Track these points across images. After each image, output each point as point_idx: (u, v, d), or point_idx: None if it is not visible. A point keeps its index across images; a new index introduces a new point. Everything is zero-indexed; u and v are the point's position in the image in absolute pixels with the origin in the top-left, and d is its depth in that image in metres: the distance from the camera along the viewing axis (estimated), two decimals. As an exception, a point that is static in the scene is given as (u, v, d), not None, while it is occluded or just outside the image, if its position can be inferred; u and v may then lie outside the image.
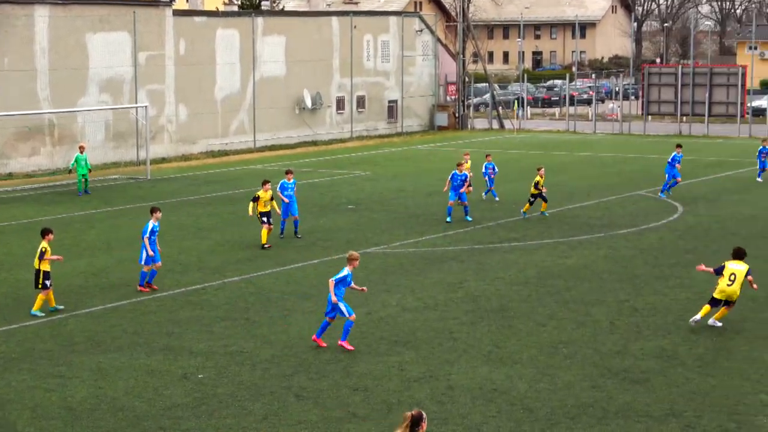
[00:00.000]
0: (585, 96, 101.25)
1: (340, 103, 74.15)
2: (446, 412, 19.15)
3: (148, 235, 28.55)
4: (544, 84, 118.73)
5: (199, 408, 19.45)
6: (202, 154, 63.91)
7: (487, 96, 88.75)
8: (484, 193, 44.24)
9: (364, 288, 24.35)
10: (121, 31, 60.17)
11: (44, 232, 26.41)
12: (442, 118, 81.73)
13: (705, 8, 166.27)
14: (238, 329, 24.74)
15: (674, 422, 18.55)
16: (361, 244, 34.91)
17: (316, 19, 73.90)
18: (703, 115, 76.79)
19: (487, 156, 44.77)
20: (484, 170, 44.40)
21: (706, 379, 20.85)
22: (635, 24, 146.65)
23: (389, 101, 78.29)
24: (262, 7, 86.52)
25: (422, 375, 21.19)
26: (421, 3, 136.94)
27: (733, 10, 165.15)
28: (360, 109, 75.79)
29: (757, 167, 50.19)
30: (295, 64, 70.09)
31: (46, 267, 25.85)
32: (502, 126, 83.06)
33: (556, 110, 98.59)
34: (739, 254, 24.82)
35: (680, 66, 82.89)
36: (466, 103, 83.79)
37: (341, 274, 23.11)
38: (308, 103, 70.45)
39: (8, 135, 55.23)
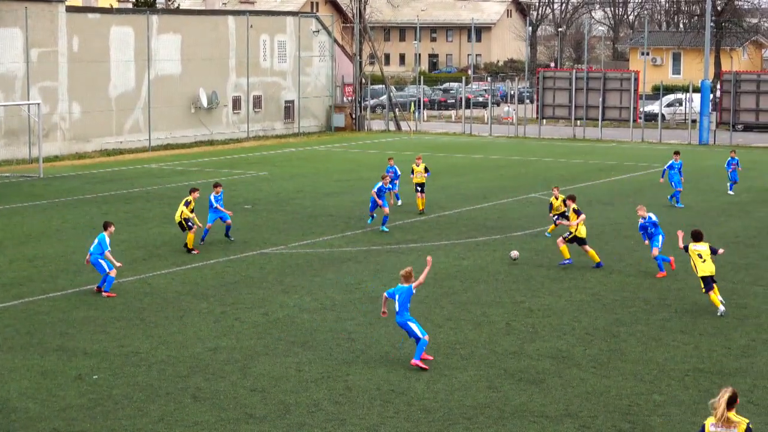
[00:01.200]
0: (481, 99, 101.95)
1: (236, 103, 73.77)
2: (344, 413, 19.14)
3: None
4: (441, 86, 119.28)
5: (94, 409, 19.20)
6: (97, 153, 63.14)
7: (384, 98, 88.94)
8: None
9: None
10: (12, 26, 59.21)
11: None
12: (339, 119, 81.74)
13: (598, 14, 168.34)
14: (134, 330, 24.48)
15: (570, 422, 18.75)
16: (258, 244, 34.77)
17: (212, 18, 73.45)
18: (597, 119, 77.78)
19: (389, 159, 44.72)
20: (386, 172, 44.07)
21: (600, 380, 21.10)
22: (530, 28, 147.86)
23: (286, 101, 78.09)
24: (157, 5, 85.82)
25: (320, 376, 21.15)
26: (317, 4, 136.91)
27: (625, 16, 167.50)
28: (257, 109, 75.47)
29: (728, 178, 48.19)
30: (191, 62, 69.60)
31: None
32: (398, 128, 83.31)
33: (453, 113, 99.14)
34: (697, 236, 26.53)
35: (574, 70, 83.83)
36: (362, 104, 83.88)
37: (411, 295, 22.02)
38: (204, 102, 70.00)
39: None
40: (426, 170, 42.34)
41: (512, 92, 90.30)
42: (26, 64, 59.80)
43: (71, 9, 64.19)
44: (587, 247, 31.68)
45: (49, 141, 60.00)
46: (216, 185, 34.88)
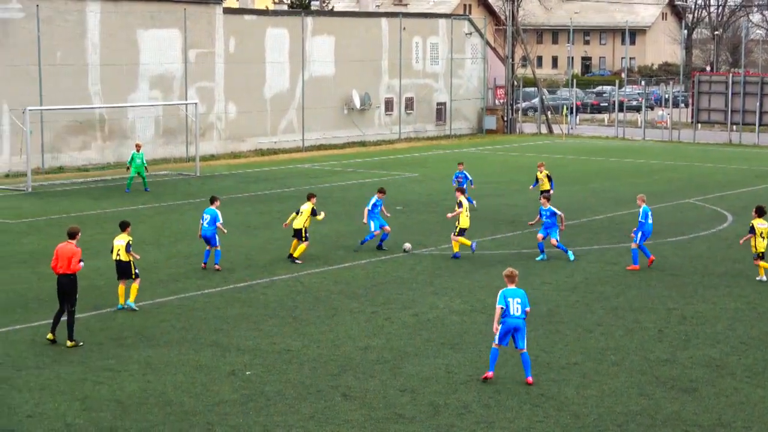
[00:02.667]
0: (634, 102, 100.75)
1: (388, 105, 74.21)
2: (493, 416, 19.12)
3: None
4: (593, 90, 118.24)
5: (246, 405, 19.52)
6: (251, 152, 64.15)
7: (536, 100, 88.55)
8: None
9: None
10: (171, 28, 60.50)
11: (123, 225, 26.45)
12: (490, 122, 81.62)
13: (756, 17, 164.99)
14: (286, 327, 24.81)
15: (723, 432, 18.46)
16: (410, 244, 34.88)
17: (366, 20, 73.98)
18: (754, 125, 76.24)
19: (459, 164, 44.15)
20: (454, 179, 43.56)
21: (755, 390, 20.70)
22: (685, 31, 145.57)
23: (438, 103, 78.26)
24: (312, 7, 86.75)
25: (470, 378, 21.16)
26: (470, 6, 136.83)
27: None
28: (408, 111, 75.80)
29: None
30: (344, 64, 70.23)
31: (130, 258, 26.04)
32: (550, 131, 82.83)
33: (605, 116, 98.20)
34: (761, 211, 29.92)
35: (731, 74, 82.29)
36: (514, 107, 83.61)
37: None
38: (357, 103, 70.56)
39: (60, 128, 55.66)
40: (549, 179, 41.79)
41: (666, 96, 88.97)
42: (184, 65, 61.04)
43: (228, 11, 65.34)
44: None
45: (205, 140, 61.16)
46: (380, 191, 34.64)
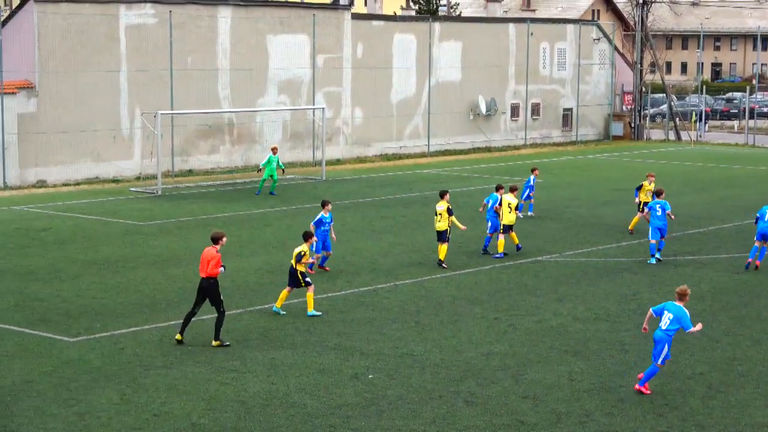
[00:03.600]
0: (765, 109, 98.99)
1: (514, 110, 73.97)
2: (616, 424, 19.01)
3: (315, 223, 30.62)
4: (723, 96, 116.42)
5: (368, 408, 19.67)
6: (377, 157, 64.47)
7: (664, 107, 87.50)
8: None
9: None
10: (300, 33, 61.10)
11: (306, 235, 26.85)
12: (617, 128, 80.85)
13: None
14: (409, 332, 24.93)
15: None
16: (533, 251, 34.80)
17: (493, 26, 73.85)
18: None
19: (533, 170, 43.62)
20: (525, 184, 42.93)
21: None
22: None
23: (564, 109, 77.79)
24: (440, 13, 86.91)
25: (593, 386, 21.06)
26: (599, 11, 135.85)
27: None
28: (534, 117, 75.49)
29: None
30: (471, 69, 70.20)
31: (302, 268, 26.28)
32: (678, 137, 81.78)
33: (735, 123, 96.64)
34: None
35: None
36: (642, 113, 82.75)
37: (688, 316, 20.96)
38: (483, 109, 70.48)
39: (189, 132, 56.58)
40: (656, 195, 38.96)
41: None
42: (312, 70, 61.61)
43: (357, 16, 65.76)
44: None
45: (331, 145, 61.63)
46: (325, 204, 31.87)
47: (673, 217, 34.47)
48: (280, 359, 22.60)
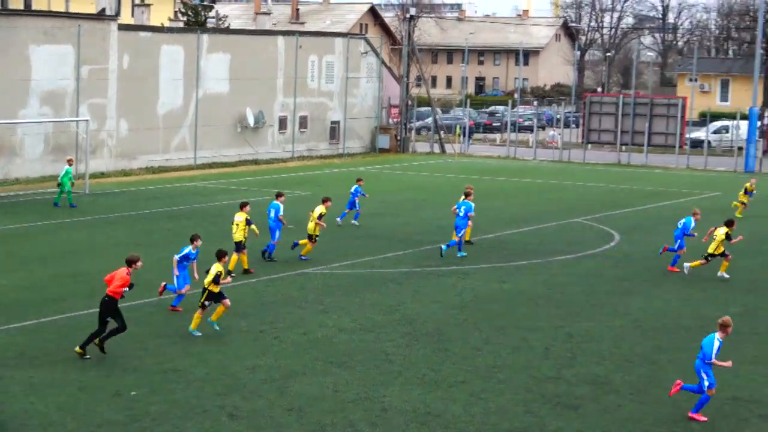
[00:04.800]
0: (527, 123, 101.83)
1: (282, 123, 74.06)
2: (379, 434, 19.17)
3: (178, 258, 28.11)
4: (486, 110, 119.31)
5: (130, 426, 19.32)
6: (142, 170, 63.55)
7: (430, 120, 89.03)
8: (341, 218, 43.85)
9: None
10: (65, 43, 59.77)
11: (219, 254, 26.10)
12: (384, 141, 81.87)
13: (647, 39, 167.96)
14: (173, 347, 24.61)
15: (605, 449, 18.69)
16: (299, 264, 34.86)
17: (262, 38, 73.84)
18: (643, 145, 77.50)
19: (358, 180, 44.84)
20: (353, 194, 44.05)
21: (638, 406, 21.02)
22: (578, 53, 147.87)
23: (332, 122, 78.32)
24: (208, 25, 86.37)
25: (357, 396, 21.19)
26: (367, 25, 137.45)
27: (674, 42, 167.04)
28: (302, 129, 75.74)
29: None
30: (239, 82, 69.97)
31: (216, 289, 25.71)
32: (443, 150, 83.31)
33: (498, 136, 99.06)
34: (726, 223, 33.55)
35: (621, 96, 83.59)
36: (408, 126, 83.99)
37: (713, 346, 20.44)
38: (250, 121, 70.33)
39: (-54, 145, 54.68)
40: (465, 195, 40.72)
41: (558, 116, 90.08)
42: (76, 81, 60.33)
43: (123, 27, 64.73)
44: None
45: (96, 157, 60.43)
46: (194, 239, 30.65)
47: (469, 222, 36.77)
48: (39, 378, 21.98)
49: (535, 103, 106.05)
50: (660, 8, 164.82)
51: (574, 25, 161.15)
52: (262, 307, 28.98)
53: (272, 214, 35.04)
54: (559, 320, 28.03)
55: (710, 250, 33.48)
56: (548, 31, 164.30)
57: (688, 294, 31.60)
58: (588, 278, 33.67)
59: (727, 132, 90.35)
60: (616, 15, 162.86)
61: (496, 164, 74.75)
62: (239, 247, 32.97)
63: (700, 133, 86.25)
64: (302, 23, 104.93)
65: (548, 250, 38.47)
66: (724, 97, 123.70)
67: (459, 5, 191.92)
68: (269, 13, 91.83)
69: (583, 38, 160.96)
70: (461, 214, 36.52)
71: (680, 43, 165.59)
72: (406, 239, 39.91)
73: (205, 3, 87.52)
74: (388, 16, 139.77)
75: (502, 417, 20.23)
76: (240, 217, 32.93)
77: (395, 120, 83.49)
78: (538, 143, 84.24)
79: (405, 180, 62.61)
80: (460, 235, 36.68)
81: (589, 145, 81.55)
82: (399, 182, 61.22)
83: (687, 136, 78.67)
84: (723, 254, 33.54)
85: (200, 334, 25.66)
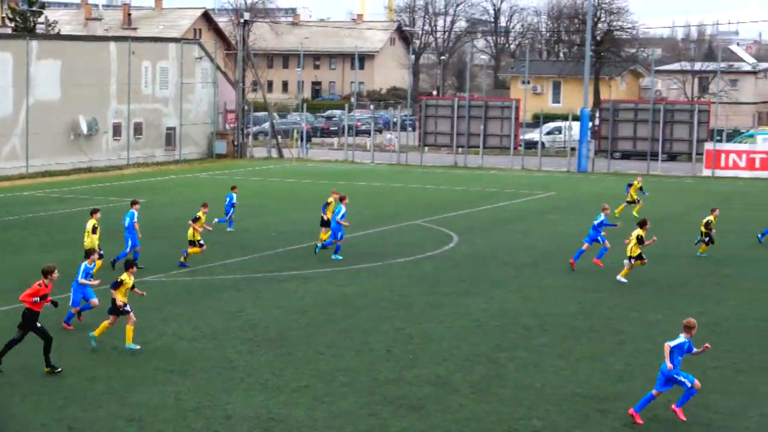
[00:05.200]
0: (364, 127, 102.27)
1: (116, 130, 72.95)
2: (223, 441, 18.99)
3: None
4: (323, 114, 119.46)
5: (-35, 442, 18.79)
6: (-28, 180, 61.98)
7: (267, 125, 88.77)
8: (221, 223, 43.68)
9: None
10: None
11: (127, 264, 25.73)
12: (221, 146, 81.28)
13: (480, 42, 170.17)
14: (9, 359, 23.95)
15: (449, 448, 18.81)
16: (138, 272, 34.28)
17: (94, 44, 72.67)
18: (478, 147, 78.50)
19: (233, 188, 44.68)
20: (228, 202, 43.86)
21: (480, 405, 21.22)
22: (413, 56, 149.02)
23: (167, 128, 77.43)
24: (37, 30, 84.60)
25: (199, 404, 20.95)
26: (201, 30, 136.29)
27: (507, 45, 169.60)
28: (137, 136, 74.72)
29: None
30: (71, 88, 68.68)
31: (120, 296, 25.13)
32: (281, 155, 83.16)
33: (335, 140, 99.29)
34: (639, 223, 33.86)
35: (456, 99, 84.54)
36: (245, 131, 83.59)
37: (677, 341, 20.31)
38: (84, 128, 69.10)
39: None
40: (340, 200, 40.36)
41: (395, 120, 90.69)
42: None
43: (-53, 33, 63.09)
44: None
45: None
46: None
47: (346, 224, 37.36)
48: None
49: (372, 107, 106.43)
50: (492, 12, 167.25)
51: (408, 29, 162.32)
52: (101, 317, 28.39)
53: (127, 222, 34.98)
54: (400, 322, 28.15)
55: (629, 253, 33.73)
56: (383, 35, 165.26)
57: (528, 293, 32.06)
58: (428, 280, 33.91)
59: (560, 133, 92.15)
60: (449, 19, 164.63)
61: (335, 168, 74.88)
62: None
63: (533, 135, 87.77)
64: (135, 29, 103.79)
65: (388, 253, 38.65)
66: (556, 99, 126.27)
67: (294, 10, 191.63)
68: (100, 19, 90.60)
69: (418, 42, 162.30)
70: (338, 217, 37.19)
71: (512, 46, 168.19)
72: (246, 245, 39.68)
73: (34, 9, 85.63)
74: (222, 21, 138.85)
75: (346, 420, 20.22)
76: (89, 224, 32.98)
77: (232, 125, 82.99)
78: (375, 147, 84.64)
79: (242, 186, 62.15)
80: (337, 238, 37.22)
81: (426, 148, 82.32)
82: (242, 187, 60.70)
83: (521, 137, 79.99)
84: (639, 257, 33.84)
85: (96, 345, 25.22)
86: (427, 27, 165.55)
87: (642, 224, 33.81)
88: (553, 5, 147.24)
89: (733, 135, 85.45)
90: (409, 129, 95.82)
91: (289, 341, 25.99)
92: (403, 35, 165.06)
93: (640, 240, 33.42)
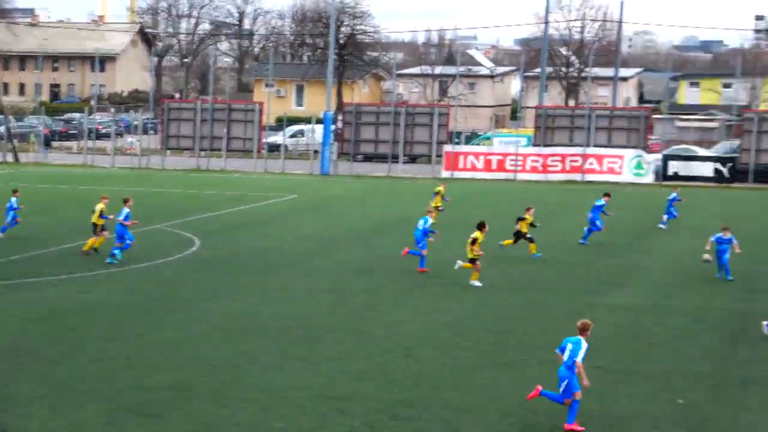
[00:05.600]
0: (105, 130, 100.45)
1: None
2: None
3: None
4: (62, 117, 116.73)
5: None
6: None
7: (2, 128, 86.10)
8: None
9: None
10: None
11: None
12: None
13: (224, 45, 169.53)
14: None
15: (189, 455, 18.60)
16: None
17: None
18: (221, 150, 78.18)
19: (14, 192, 43.31)
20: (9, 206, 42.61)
21: (220, 409, 21.03)
22: (155, 59, 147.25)
23: None
24: None
25: None
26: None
27: (251, 48, 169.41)
28: None
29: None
30: None
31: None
32: (17, 160, 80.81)
33: (75, 144, 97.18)
34: (478, 226, 33.87)
35: (199, 101, 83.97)
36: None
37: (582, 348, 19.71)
38: None
39: None
40: None
41: (136, 123, 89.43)
42: None
43: None
44: None
45: None
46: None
47: (129, 223, 37.47)
48: None
49: (113, 110, 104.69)
50: (236, 14, 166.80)
51: (150, 30, 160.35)
52: None
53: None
54: (141, 328, 27.66)
55: (469, 255, 33.78)
56: (124, 37, 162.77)
57: (271, 296, 32.02)
58: (169, 284, 33.50)
59: (303, 136, 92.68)
60: (192, 21, 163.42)
61: (75, 173, 73.27)
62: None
63: (277, 138, 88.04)
64: None
65: (128, 258, 37.94)
66: (299, 102, 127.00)
67: (32, 10, 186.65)
68: None
69: (160, 44, 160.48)
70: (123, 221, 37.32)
71: (257, 49, 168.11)
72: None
73: None
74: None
75: (83, 430, 19.73)
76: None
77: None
78: (116, 150, 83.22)
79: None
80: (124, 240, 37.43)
81: (169, 151, 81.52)
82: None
83: (264, 140, 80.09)
84: (472, 260, 33.95)
85: None
86: (170, 29, 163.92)
87: (480, 227, 34.07)
88: (297, 9, 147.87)
89: (471, 137, 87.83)
90: (152, 132, 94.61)
91: (22, 351, 25.18)
92: (146, 37, 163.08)
93: (474, 242, 33.74)
